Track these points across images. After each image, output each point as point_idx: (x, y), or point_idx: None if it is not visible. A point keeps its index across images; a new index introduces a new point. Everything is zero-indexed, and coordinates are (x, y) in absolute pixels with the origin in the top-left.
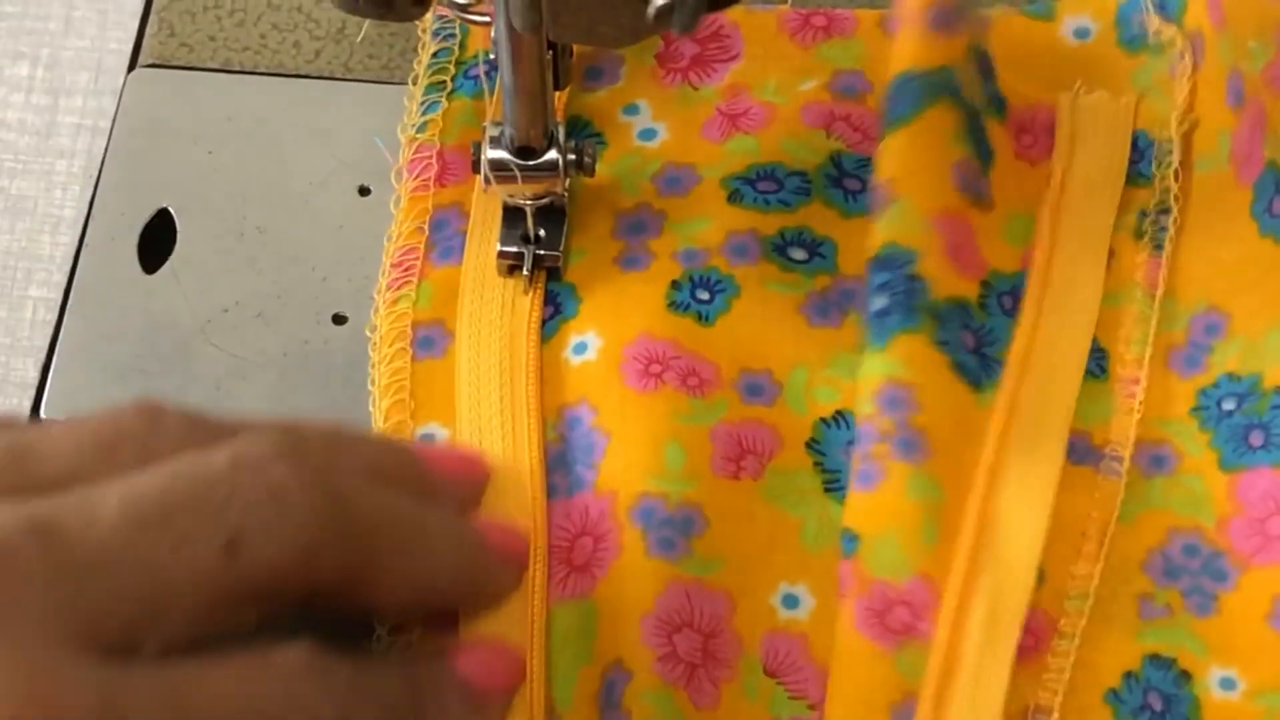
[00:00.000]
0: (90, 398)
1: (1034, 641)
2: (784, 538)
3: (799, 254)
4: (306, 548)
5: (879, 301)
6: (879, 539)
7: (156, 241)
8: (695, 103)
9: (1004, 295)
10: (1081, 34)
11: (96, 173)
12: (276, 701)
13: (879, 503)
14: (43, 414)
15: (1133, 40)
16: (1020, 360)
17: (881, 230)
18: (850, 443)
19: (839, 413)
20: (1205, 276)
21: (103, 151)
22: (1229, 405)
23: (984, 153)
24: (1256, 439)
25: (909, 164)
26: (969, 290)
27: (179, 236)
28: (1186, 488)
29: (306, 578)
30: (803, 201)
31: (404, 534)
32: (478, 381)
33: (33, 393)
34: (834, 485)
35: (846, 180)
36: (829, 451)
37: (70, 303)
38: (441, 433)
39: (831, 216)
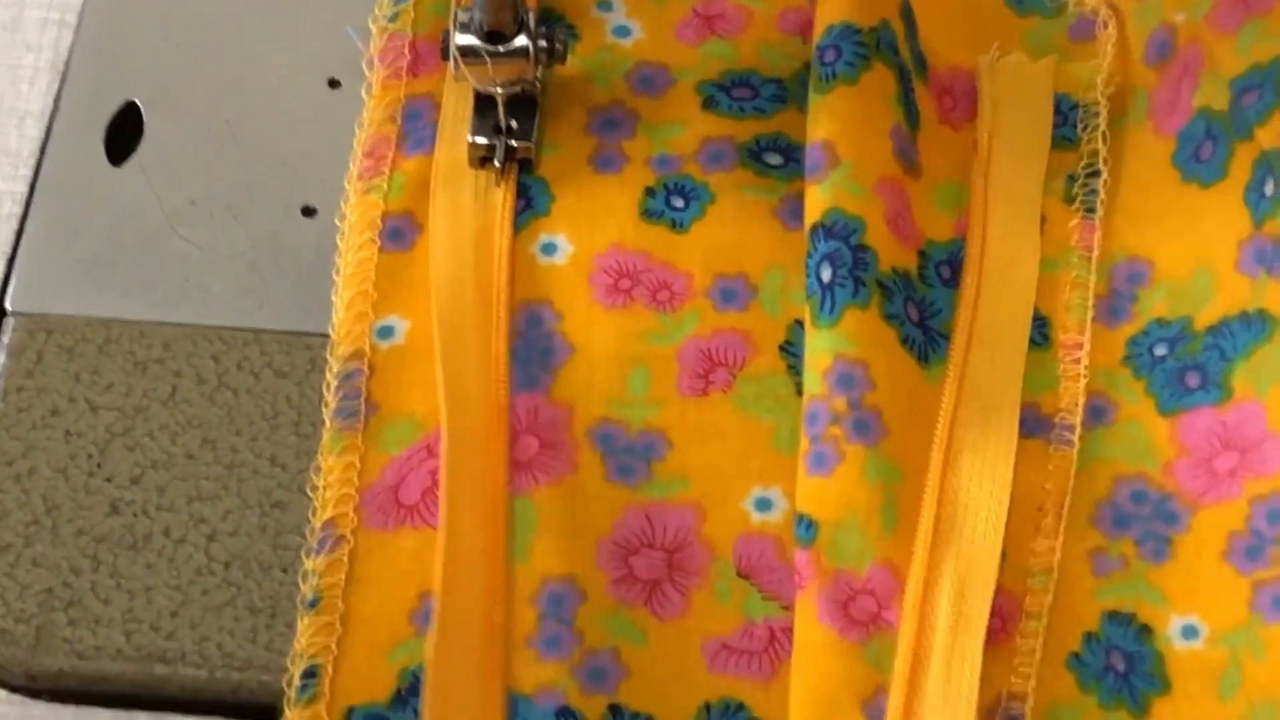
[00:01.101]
0: (57, 291)
1: (1000, 623)
2: (756, 444)
3: (774, 159)
4: None
5: (826, 272)
6: (838, 526)
7: (123, 135)
8: (670, 3)
9: (941, 265)
10: None
11: (64, 67)
12: None
13: (836, 488)
14: (9, 307)
15: (1021, 2)
16: (964, 333)
17: (825, 195)
18: None
19: None
20: (1124, 228)
21: (70, 45)
22: (1161, 351)
23: (912, 116)
24: (1193, 380)
25: (849, 128)
26: (909, 261)
27: (146, 130)
28: (1128, 436)
29: None
30: (778, 108)
31: None
32: (450, 271)
33: None
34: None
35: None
36: (803, 353)
37: (36, 196)
38: (400, 324)
39: (807, 121)
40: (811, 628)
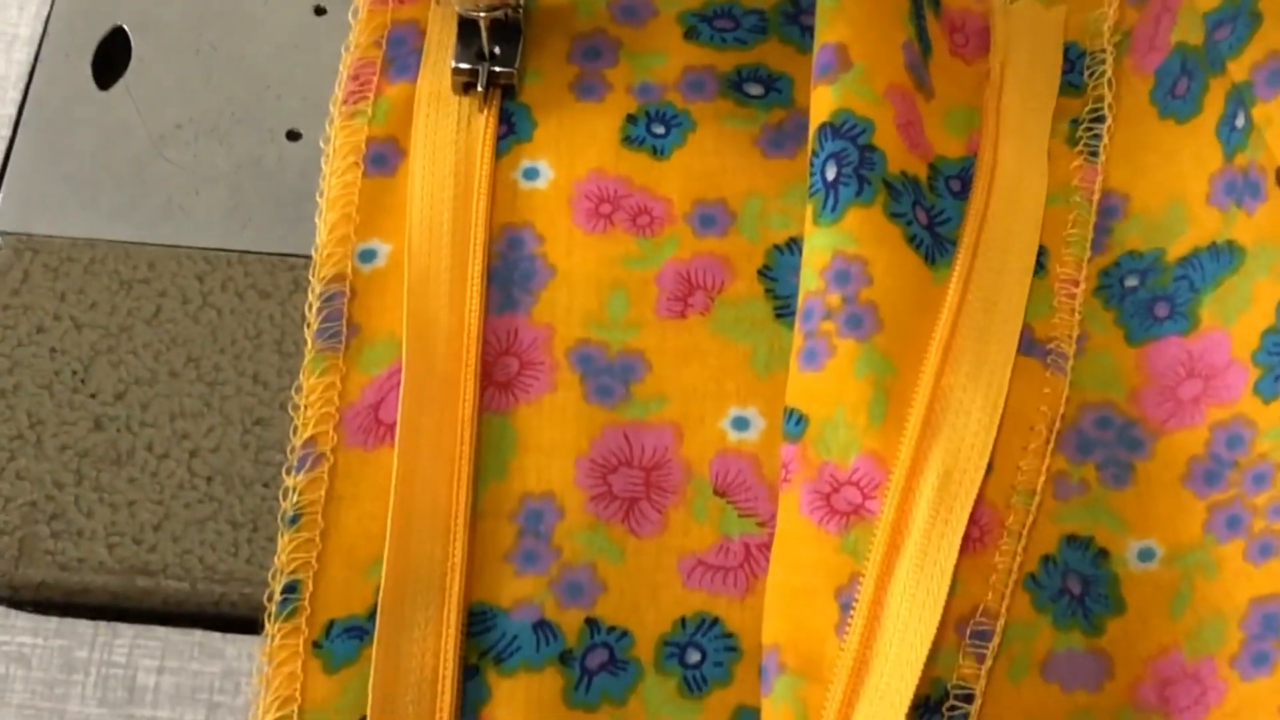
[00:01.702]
0: (44, 211)
1: (979, 534)
2: (734, 366)
3: (755, 89)
4: None
5: (830, 170)
6: (826, 421)
7: (111, 59)
8: None
9: (951, 179)
10: None
11: None
12: None
13: (826, 383)
14: None
15: None
16: (972, 242)
17: (835, 96)
18: None
19: (793, 239)
20: (1104, 165)
21: None
22: (1132, 282)
23: (924, 40)
24: (1162, 310)
25: (862, 32)
26: (919, 169)
27: (133, 54)
28: (1097, 365)
29: None
30: (759, 39)
31: None
32: (431, 194)
33: None
34: (785, 311)
35: (803, 17)
36: (781, 277)
37: (24, 119)
38: (383, 248)
39: (788, 53)
40: (793, 520)
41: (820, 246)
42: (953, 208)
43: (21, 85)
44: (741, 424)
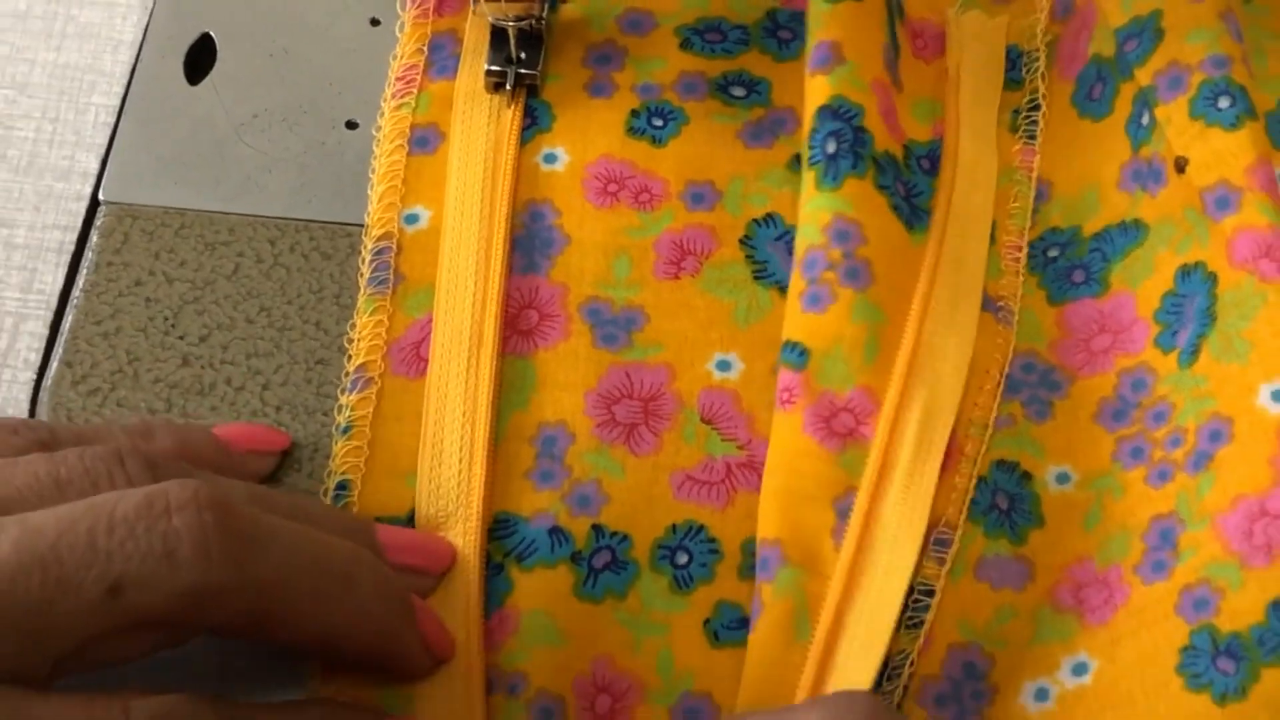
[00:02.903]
0: (141, 186)
1: (946, 460)
2: (718, 318)
3: (739, 91)
4: (192, 594)
5: (830, 145)
6: (827, 355)
7: (199, 60)
8: None
9: (921, 158)
10: None
11: (151, 4)
12: None
13: (827, 323)
14: (101, 197)
15: None
16: (943, 213)
17: (832, 84)
18: (778, 239)
19: (769, 214)
20: (1039, 144)
21: None
22: (1054, 253)
23: (895, 45)
24: (1078, 277)
25: (852, 33)
26: (896, 150)
27: (218, 56)
28: (1024, 320)
29: (198, 619)
30: (742, 50)
31: (316, 583)
32: (465, 173)
33: (94, 180)
34: (761, 274)
35: (780, 31)
36: (759, 245)
37: (126, 108)
38: (424, 213)
39: (767, 61)
40: (795, 437)
41: (822, 207)
42: (924, 183)
43: (124, 81)
44: (724, 366)
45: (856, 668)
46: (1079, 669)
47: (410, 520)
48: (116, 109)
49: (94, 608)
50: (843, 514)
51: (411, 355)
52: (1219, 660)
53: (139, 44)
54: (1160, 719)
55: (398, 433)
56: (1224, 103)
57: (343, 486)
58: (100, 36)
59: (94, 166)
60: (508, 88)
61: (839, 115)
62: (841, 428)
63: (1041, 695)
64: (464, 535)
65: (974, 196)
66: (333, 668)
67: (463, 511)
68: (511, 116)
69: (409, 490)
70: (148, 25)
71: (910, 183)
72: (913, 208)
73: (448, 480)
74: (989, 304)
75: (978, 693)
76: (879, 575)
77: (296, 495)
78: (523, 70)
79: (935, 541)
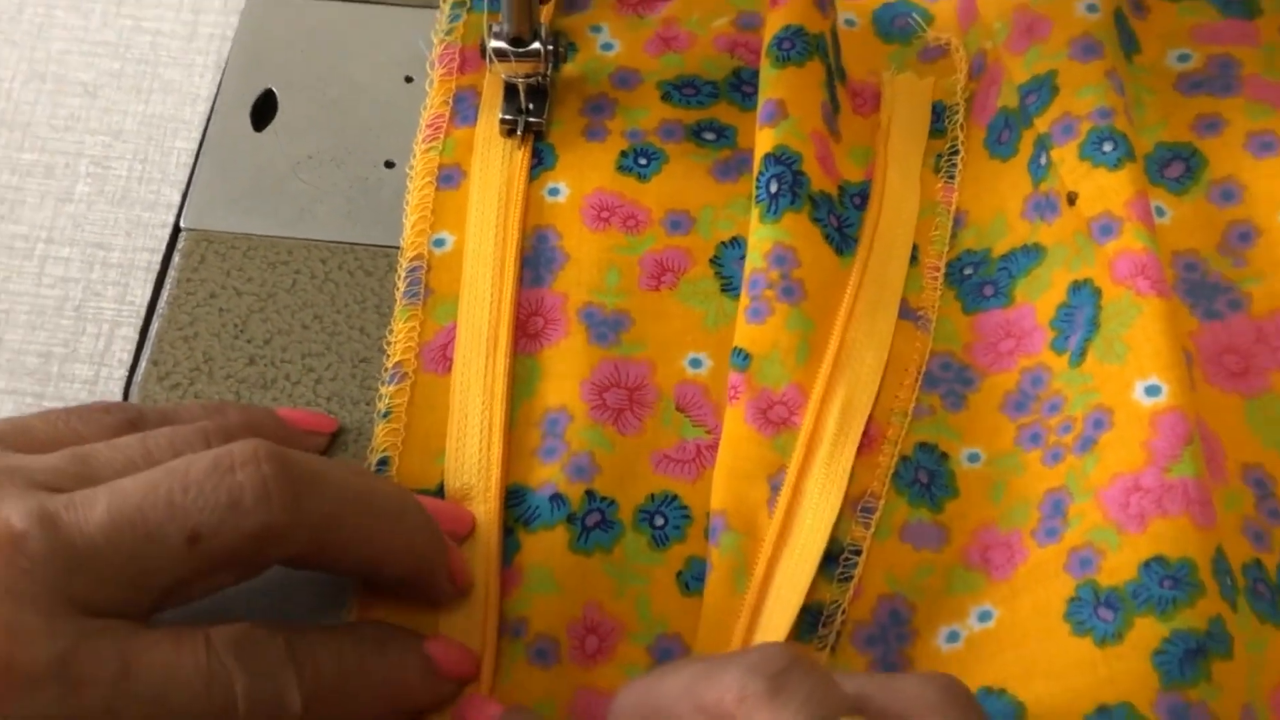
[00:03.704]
0: (215, 216)
1: (869, 441)
2: (692, 324)
3: (710, 135)
4: (258, 536)
5: (773, 186)
6: (765, 358)
7: (264, 111)
8: (641, 27)
9: (854, 196)
10: (849, 23)
11: (224, 64)
12: (200, 673)
13: (765, 332)
14: (182, 225)
15: (886, 34)
16: (869, 239)
17: (776, 135)
18: (741, 258)
19: (734, 238)
20: (958, 184)
21: (229, 51)
22: (968, 271)
23: (834, 102)
24: (989, 291)
25: (794, 94)
26: (831, 189)
27: (279, 107)
28: (942, 327)
29: (267, 555)
30: (713, 102)
31: (365, 517)
32: (483, 205)
33: (176, 211)
34: (727, 287)
35: (744, 87)
36: (726, 264)
37: (203, 151)
38: (450, 238)
39: (734, 111)
40: (739, 426)
41: (765, 237)
42: (855, 216)
43: (201, 128)
44: (696, 363)
45: (781, 612)
46: (984, 616)
47: (440, 492)
48: (195, 151)
49: (177, 555)
50: (775, 488)
51: (439, 355)
52: (1099, 610)
53: (213, 98)
54: (1050, 658)
55: (429, 420)
56: (1108, 147)
57: (383, 463)
58: (181, 92)
59: (176, 199)
60: (518, 133)
61: (780, 161)
62: (776, 417)
63: (953, 638)
64: (485, 504)
65: (897, 224)
66: (368, 605)
67: (483, 484)
68: (522, 157)
69: (438, 467)
70: (220, 82)
71: (843, 216)
72: (843, 236)
73: (470, 458)
74: (910, 314)
75: (901, 635)
76: (802, 536)
77: (353, 462)
78: (531, 119)
79: (861, 509)
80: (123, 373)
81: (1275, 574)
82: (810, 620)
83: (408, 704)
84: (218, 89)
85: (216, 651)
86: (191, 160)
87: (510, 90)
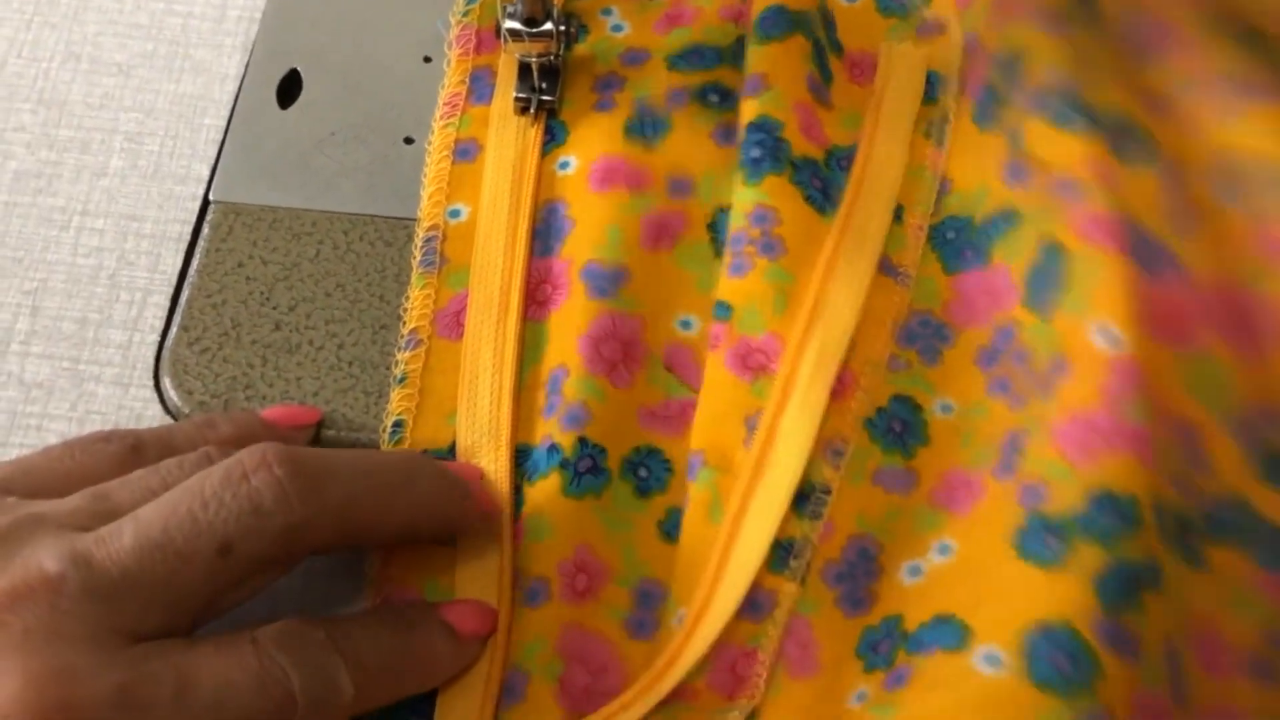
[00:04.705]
0: (242, 189)
1: (842, 388)
2: (684, 286)
3: (714, 98)
4: (285, 533)
5: (754, 152)
6: (745, 309)
7: (289, 89)
8: (649, 8)
9: (841, 159)
10: (850, 0)
11: (251, 45)
12: (254, 675)
13: (746, 285)
14: (211, 198)
15: (886, 8)
16: (851, 198)
17: (759, 106)
18: None
19: (732, 205)
20: (945, 150)
21: (255, 33)
22: (951, 235)
23: (825, 73)
24: (969, 254)
25: (777, 67)
26: (817, 153)
27: (303, 86)
28: (923, 286)
29: (297, 551)
30: (717, 65)
31: (381, 490)
32: (497, 178)
33: (206, 184)
34: (721, 252)
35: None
36: (721, 229)
37: (231, 128)
38: (465, 209)
39: (735, 75)
40: (719, 372)
41: (746, 199)
42: (840, 178)
43: (229, 106)
44: (686, 324)
45: (754, 544)
46: (943, 550)
47: (451, 451)
48: (223, 128)
49: (211, 569)
50: (751, 428)
51: (453, 321)
52: (1047, 538)
53: (241, 77)
54: (1001, 583)
55: (442, 383)
56: (1072, 114)
57: (398, 425)
58: (211, 71)
59: (205, 173)
60: (532, 111)
61: (762, 129)
62: (754, 364)
63: (914, 572)
64: (495, 462)
65: (881, 183)
66: (384, 584)
67: (492, 443)
68: (535, 133)
69: (450, 427)
70: (248, 63)
71: (828, 178)
72: (826, 197)
73: (481, 418)
74: (892, 270)
75: (868, 572)
76: (776, 472)
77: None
78: (544, 97)
79: (832, 452)
80: (154, 338)
81: (1200, 520)
82: (782, 554)
83: (441, 672)
84: (245, 69)
85: (266, 651)
86: (220, 137)
87: (524, 69)
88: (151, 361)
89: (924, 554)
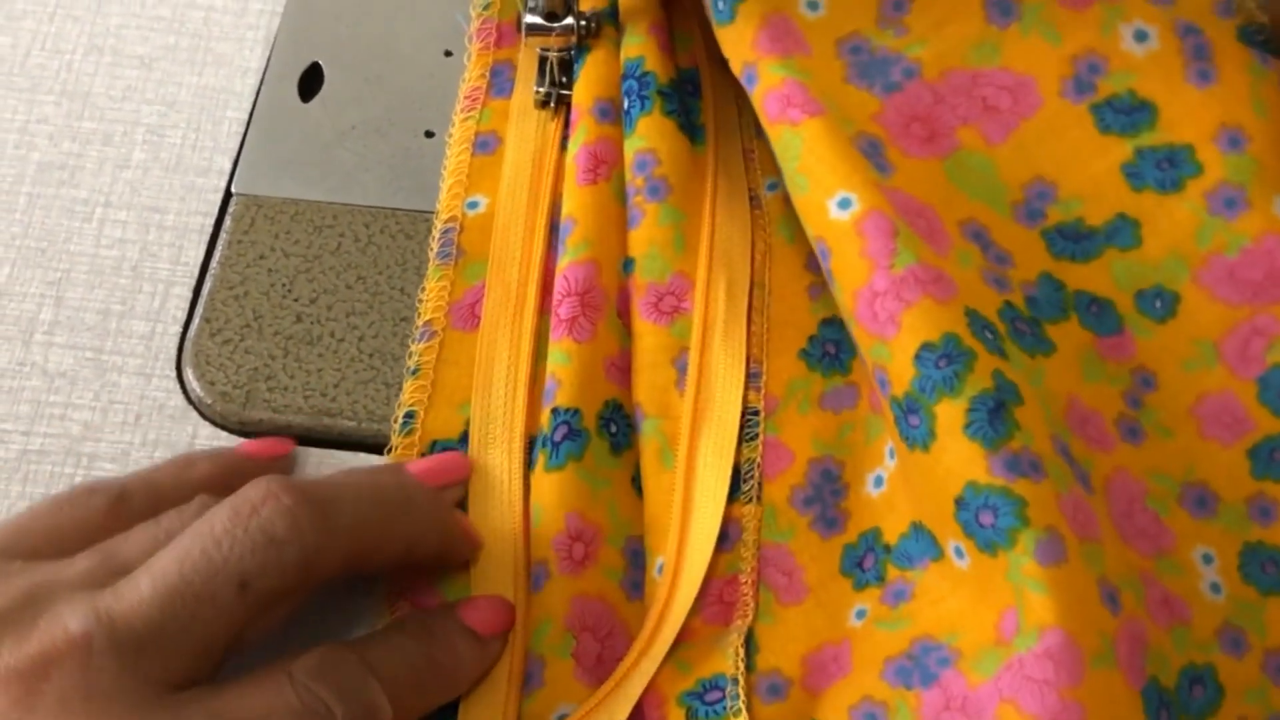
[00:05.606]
0: (264, 181)
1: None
2: (622, 224)
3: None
4: (300, 563)
5: (625, 103)
6: (646, 256)
7: (310, 83)
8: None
9: (687, 83)
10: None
11: (273, 39)
12: (294, 710)
13: (643, 234)
14: (234, 190)
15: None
16: (711, 127)
17: (622, 52)
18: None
19: None
20: None
21: (277, 26)
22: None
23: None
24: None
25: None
26: (673, 79)
27: (325, 80)
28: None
29: (312, 579)
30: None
31: (384, 514)
32: (517, 170)
33: (228, 177)
34: None
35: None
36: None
37: (253, 120)
38: (483, 200)
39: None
40: (638, 324)
41: (628, 150)
42: (693, 104)
43: (251, 99)
44: (629, 265)
45: (714, 476)
46: (892, 453)
47: (462, 441)
48: (245, 121)
49: (232, 606)
50: (681, 369)
51: (468, 313)
52: (909, 419)
53: (263, 70)
54: (909, 483)
55: (455, 374)
56: (720, 4)
57: (409, 416)
58: (232, 65)
59: (228, 166)
60: (552, 105)
61: (630, 75)
62: (668, 307)
63: (878, 482)
64: (508, 453)
65: (726, 108)
66: (400, 597)
67: (505, 434)
68: (554, 127)
69: (461, 417)
70: (270, 56)
71: (688, 104)
72: (690, 124)
73: (495, 409)
74: (754, 200)
75: (835, 491)
76: (717, 405)
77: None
78: (563, 91)
79: (751, 375)
80: (177, 329)
81: (1024, 307)
82: (733, 481)
83: (468, 677)
84: (267, 62)
85: (304, 685)
86: (242, 129)
87: (544, 63)
88: (174, 352)
89: (881, 461)
